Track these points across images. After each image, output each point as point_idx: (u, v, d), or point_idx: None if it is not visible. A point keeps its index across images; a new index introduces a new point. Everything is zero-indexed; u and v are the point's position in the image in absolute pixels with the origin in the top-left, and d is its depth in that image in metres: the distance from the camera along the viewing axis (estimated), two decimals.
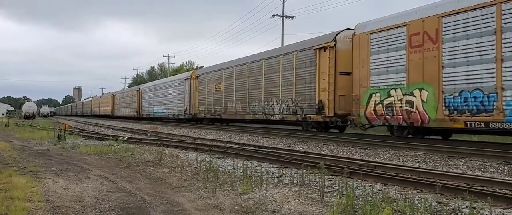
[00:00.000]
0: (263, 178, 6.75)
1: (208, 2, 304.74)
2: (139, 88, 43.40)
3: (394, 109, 12.70)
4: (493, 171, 7.83)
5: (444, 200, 5.16)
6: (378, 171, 7.27)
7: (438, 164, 8.71)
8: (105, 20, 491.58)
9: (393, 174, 6.98)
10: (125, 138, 15.91)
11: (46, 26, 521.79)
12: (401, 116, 12.53)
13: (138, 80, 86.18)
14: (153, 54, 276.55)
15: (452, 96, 11.01)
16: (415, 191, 5.81)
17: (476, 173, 7.65)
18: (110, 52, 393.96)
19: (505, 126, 9.92)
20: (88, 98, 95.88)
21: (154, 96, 37.54)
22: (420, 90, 11.88)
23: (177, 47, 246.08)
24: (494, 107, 10.07)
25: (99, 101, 64.78)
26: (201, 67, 60.86)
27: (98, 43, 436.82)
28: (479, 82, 10.42)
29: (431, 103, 11.57)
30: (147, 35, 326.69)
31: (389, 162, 8.80)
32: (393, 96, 12.73)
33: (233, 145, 12.97)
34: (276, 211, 5.06)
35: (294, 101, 17.41)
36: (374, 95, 13.40)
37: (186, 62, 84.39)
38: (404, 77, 12.38)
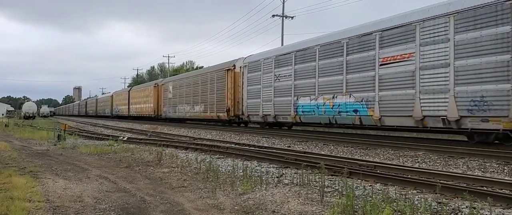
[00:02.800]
0: (263, 178, 6.76)
1: (209, 3, 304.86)
2: (234, 65, 22.16)
3: None
4: (493, 171, 7.82)
5: (444, 200, 5.16)
6: (378, 171, 7.27)
7: (438, 164, 8.71)
8: (109, 21, 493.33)
9: (393, 174, 6.98)
10: (125, 138, 15.93)
11: (49, 27, 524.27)
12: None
13: (138, 80, 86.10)
14: (153, 54, 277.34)
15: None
16: (415, 191, 5.81)
17: (476, 173, 7.65)
18: (112, 53, 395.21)
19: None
20: (106, 93, 71.77)
21: (296, 74, 16.75)
22: None
23: (178, 47, 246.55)
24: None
25: (128, 95, 43.77)
26: (201, 67, 55.97)
27: (101, 43, 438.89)
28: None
29: None
30: (149, 36, 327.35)
31: (389, 162, 8.79)
32: None
33: (233, 145, 12.96)
34: (276, 211, 5.05)
35: None
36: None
37: (187, 62, 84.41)
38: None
